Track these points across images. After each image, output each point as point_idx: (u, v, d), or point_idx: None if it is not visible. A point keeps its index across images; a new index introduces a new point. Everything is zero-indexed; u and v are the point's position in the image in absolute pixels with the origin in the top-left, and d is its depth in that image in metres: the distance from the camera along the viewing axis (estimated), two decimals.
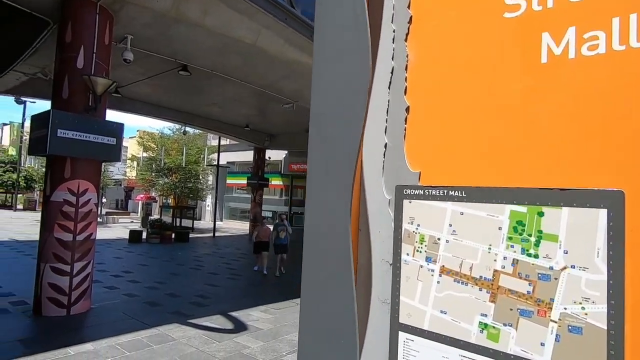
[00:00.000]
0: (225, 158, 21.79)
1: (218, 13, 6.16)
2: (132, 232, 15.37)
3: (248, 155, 29.91)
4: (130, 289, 7.28)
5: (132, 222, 24.04)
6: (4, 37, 7.55)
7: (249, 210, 19.49)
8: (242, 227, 26.09)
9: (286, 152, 25.87)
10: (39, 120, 5.13)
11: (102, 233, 17.70)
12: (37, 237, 15.22)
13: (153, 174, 22.24)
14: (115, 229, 19.71)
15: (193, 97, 12.68)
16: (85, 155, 5.25)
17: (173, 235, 15.91)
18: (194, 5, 5.86)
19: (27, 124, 29.37)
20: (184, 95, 12.46)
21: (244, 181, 30.96)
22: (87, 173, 5.40)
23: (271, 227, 9.37)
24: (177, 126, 21.91)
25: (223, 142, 22.56)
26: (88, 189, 5.39)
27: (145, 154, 22.71)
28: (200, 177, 22.92)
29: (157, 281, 8.10)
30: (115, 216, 25.58)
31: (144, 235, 15.59)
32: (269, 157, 21.72)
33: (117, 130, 5.56)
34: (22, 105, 27.83)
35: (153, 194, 26.23)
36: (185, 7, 5.83)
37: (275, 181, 25.67)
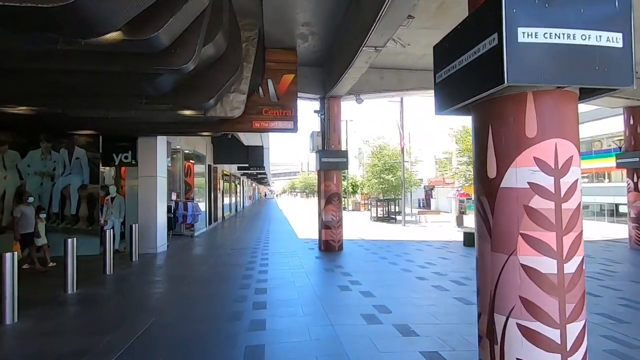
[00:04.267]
0: None
1: None
2: (467, 235, 12.90)
3: (591, 128, 21.65)
4: None
5: (447, 221, 22.42)
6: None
7: (629, 203, 12.57)
8: (593, 227, 18.65)
9: None
10: (477, 23, 2.65)
11: (425, 233, 16.60)
12: (376, 236, 15.18)
13: (465, 167, 19.54)
14: (432, 230, 18.33)
15: None
16: (576, 79, 2.31)
17: None
18: None
19: (349, 133, 35.17)
20: None
21: (595, 165, 22.97)
22: (565, 124, 2.49)
23: None
24: None
25: None
26: (572, 156, 2.47)
27: (457, 146, 20.40)
28: None
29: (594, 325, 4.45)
30: (426, 215, 25.06)
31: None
32: None
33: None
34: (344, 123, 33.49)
35: (463, 191, 23.71)
36: None
37: None
